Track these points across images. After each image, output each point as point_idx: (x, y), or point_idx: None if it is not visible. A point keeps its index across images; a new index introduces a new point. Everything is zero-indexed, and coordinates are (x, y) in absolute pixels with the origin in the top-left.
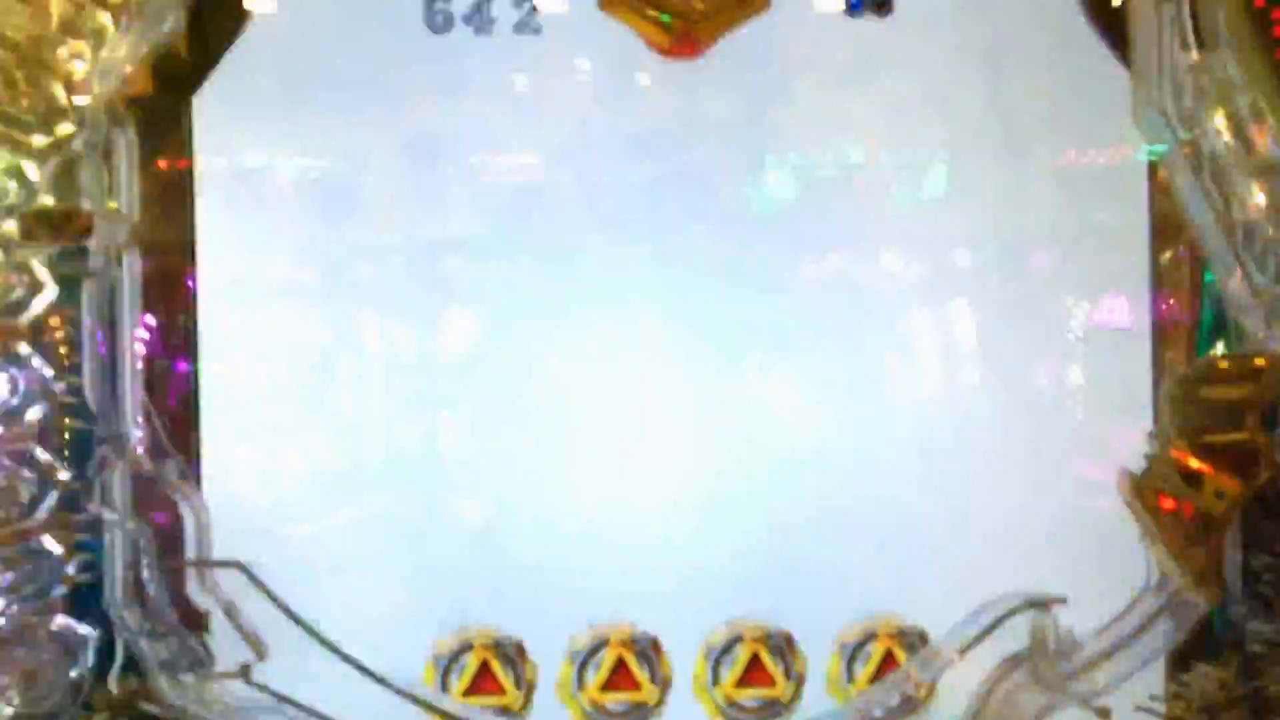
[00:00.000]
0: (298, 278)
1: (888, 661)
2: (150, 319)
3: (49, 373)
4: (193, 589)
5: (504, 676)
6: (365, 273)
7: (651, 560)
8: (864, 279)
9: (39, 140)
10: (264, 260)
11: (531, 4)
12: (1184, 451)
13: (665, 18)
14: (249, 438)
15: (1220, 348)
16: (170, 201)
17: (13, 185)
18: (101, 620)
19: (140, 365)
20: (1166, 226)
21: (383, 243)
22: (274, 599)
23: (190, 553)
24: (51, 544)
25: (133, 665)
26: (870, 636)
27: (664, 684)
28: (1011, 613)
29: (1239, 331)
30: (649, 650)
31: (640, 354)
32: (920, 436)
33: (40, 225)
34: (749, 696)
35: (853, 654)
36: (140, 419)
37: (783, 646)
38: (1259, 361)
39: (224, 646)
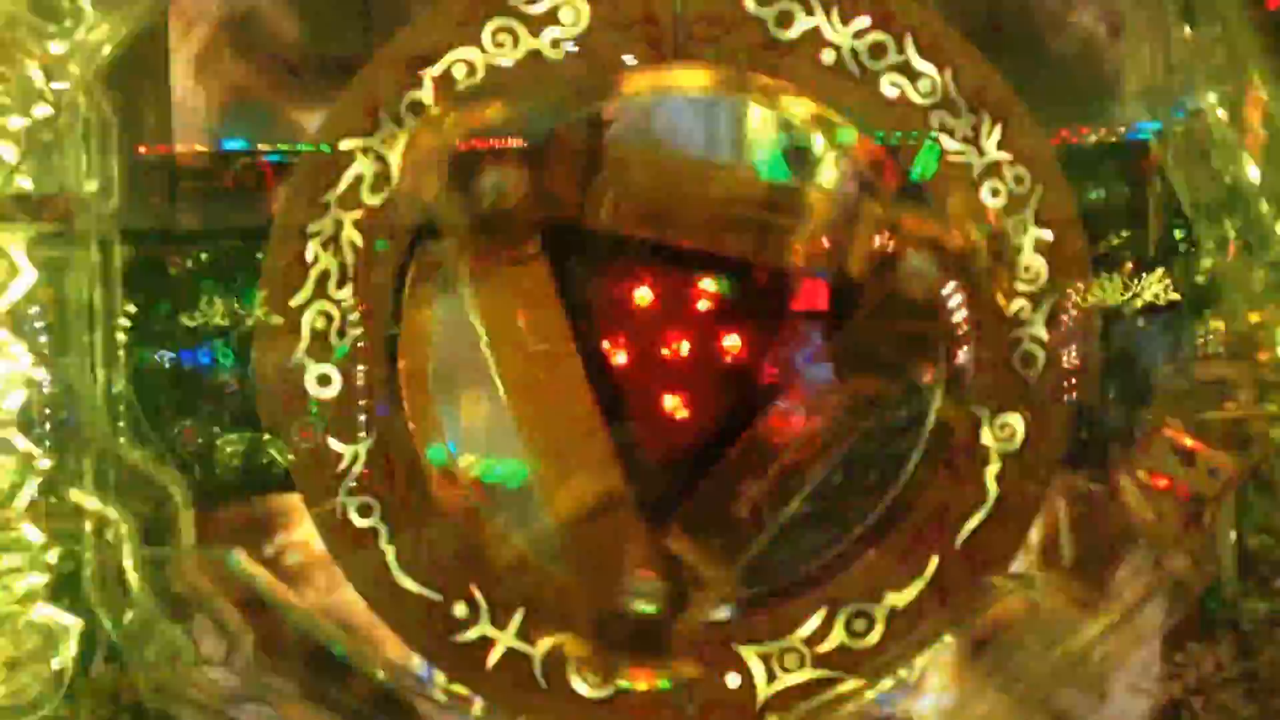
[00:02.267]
0: None
1: None
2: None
3: (28, 359)
4: (175, 578)
5: None
6: None
7: None
8: None
9: (15, 123)
10: None
11: None
12: (1178, 430)
13: None
14: None
15: (1213, 325)
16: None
17: None
18: (83, 610)
19: (122, 352)
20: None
21: None
22: (263, 587)
23: (173, 541)
24: (32, 532)
25: (115, 654)
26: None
27: None
28: (1004, 592)
29: (1232, 308)
30: None
31: None
32: None
33: (17, 208)
34: None
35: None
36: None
37: None
38: (1252, 338)
39: (206, 634)
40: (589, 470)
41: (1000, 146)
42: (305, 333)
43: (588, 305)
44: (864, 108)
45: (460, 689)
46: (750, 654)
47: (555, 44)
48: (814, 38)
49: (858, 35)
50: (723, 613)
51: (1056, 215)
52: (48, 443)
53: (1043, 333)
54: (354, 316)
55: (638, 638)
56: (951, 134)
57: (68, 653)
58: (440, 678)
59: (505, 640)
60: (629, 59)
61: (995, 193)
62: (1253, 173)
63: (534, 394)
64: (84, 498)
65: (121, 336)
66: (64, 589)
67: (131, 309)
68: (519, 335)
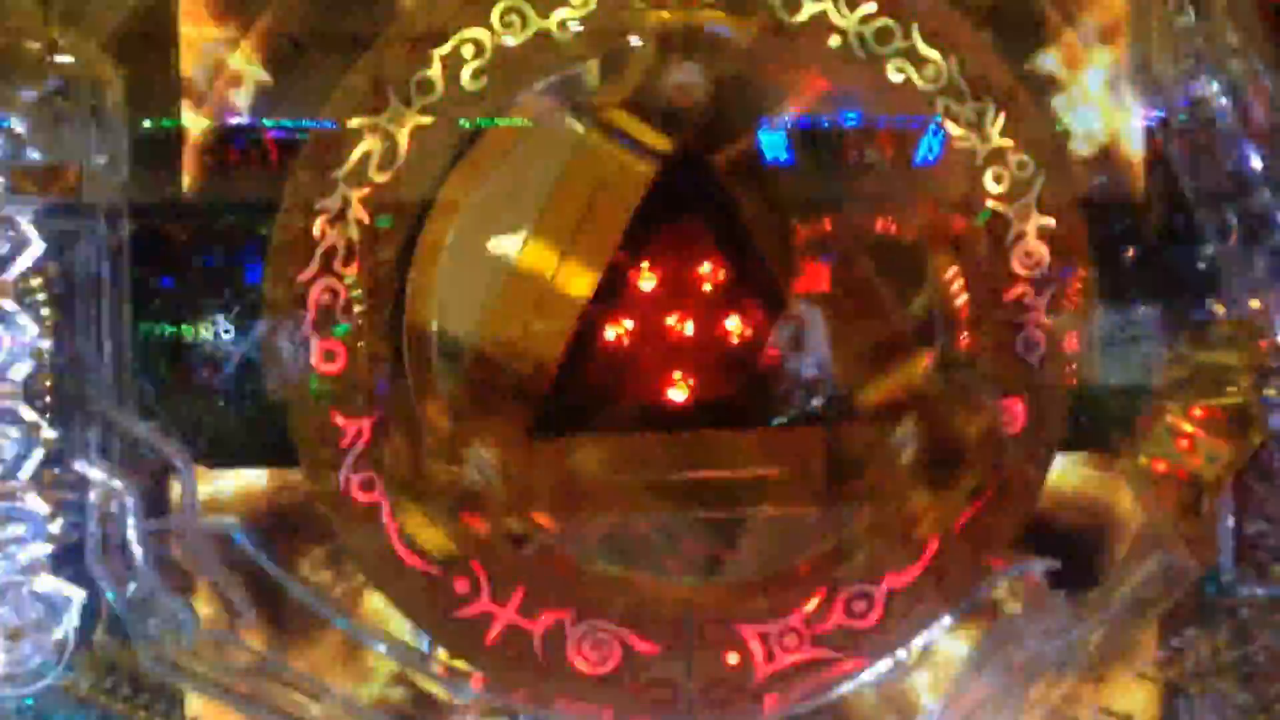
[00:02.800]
0: None
1: None
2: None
3: (35, 330)
4: (178, 550)
5: None
6: None
7: None
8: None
9: (25, 95)
10: None
11: None
12: (1177, 415)
13: None
14: None
15: (1214, 311)
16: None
17: None
18: (86, 581)
19: (128, 324)
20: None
21: None
22: (268, 560)
23: (176, 513)
24: (36, 503)
25: (117, 626)
26: None
27: None
28: (1003, 577)
29: (1232, 295)
30: None
31: None
32: None
33: (26, 180)
34: None
35: None
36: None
37: None
38: (1252, 325)
39: (210, 607)
40: None
41: (1004, 133)
42: (310, 308)
43: None
44: (870, 93)
45: (460, 665)
46: (749, 633)
47: (562, 25)
48: (821, 22)
49: (864, 20)
50: None
51: (1059, 201)
52: (51, 414)
53: (1045, 318)
54: (358, 293)
55: None
56: (956, 120)
57: (69, 624)
58: (441, 653)
59: (506, 616)
60: (635, 41)
61: (999, 178)
62: (1255, 160)
63: None
64: (88, 469)
65: (127, 309)
66: (67, 560)
67: (136, 281)
68: None
